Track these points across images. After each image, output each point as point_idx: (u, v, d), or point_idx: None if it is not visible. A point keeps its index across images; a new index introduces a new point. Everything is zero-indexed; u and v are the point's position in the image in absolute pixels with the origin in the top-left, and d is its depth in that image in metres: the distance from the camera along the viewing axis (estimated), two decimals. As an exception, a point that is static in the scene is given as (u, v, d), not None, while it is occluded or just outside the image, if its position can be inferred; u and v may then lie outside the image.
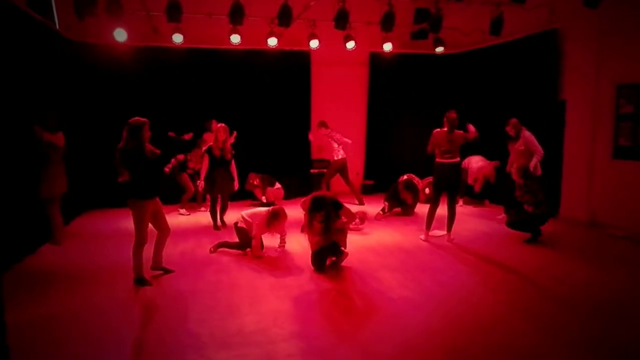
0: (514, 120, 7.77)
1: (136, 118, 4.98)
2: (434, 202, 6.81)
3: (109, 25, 7.51)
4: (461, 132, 6.69)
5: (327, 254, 5.62)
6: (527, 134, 7.64)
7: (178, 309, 4.46)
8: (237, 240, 6.27)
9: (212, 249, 6.29)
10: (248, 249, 6.16)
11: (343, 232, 5.72)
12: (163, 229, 5.34)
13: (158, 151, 5.10)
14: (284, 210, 6.04)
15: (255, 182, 9.57)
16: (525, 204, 6.70)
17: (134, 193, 4.95)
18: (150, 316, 4.37)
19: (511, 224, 6.90)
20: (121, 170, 4.90)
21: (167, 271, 5.43)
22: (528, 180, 6.77)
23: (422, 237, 6.99)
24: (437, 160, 6.69)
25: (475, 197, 9.59)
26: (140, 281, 5.05)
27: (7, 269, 5.38)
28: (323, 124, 9.52)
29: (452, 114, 6.62)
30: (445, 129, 6.62)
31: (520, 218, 6.81)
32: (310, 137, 9.87)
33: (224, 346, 3.70)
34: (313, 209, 5.47)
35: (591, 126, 7.76)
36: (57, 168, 6.34)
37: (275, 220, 5.93)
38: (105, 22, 7.27)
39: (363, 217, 7.61)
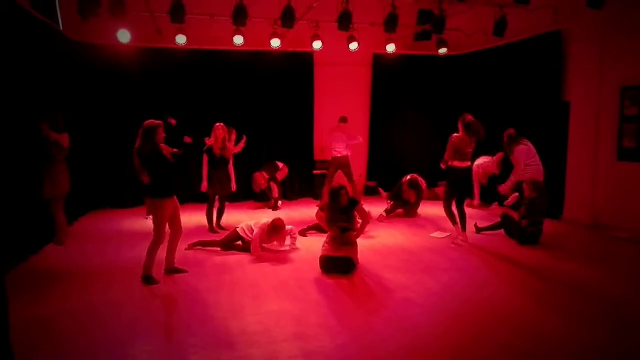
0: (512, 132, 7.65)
1: (151, 121, 5.12)
2: (449, 208, 6.75)
3: (112, 26, 7.54)
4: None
5: (339, 266, 5.43)
6: (517, 149, 7.48)
7: (181, 309, 4.47)
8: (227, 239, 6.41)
9: (187, 247, 6.28)
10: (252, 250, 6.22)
11: (355, 246, 5.65)
12: (177, 229, 5.39)
13: (177, 150, 5.21)
14: (282, 222, 6.25)
15: (264, 180, 9.19)
16: (520, 216, 6.72)
17: (153, 193, 5.10)
18: (152, 316, 4.36)
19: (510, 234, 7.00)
20: (141, 171, 5.11)
21: (180, 271, 5.44)
22: (537, 196, 6.59)
23: (450, 235, 7.03)
24: (455, 164, 6.53)
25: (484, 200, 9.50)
26: (148, 280, 5.09)
27: (11, 268, 5.40)
28: (343, 120, 9.42)
29: (469, 117, 6.50)
30: (462, 134, 6.51)
31: (515, 230, 6.84)
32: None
33: (227, 346, 3.69)
34: (332, 199, 5.69)
35: (595, 128, 7.73)
36: (61, 168, 6.35)
37: (274, 232, 6.19)
38: (108, 23, 7.30)
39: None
